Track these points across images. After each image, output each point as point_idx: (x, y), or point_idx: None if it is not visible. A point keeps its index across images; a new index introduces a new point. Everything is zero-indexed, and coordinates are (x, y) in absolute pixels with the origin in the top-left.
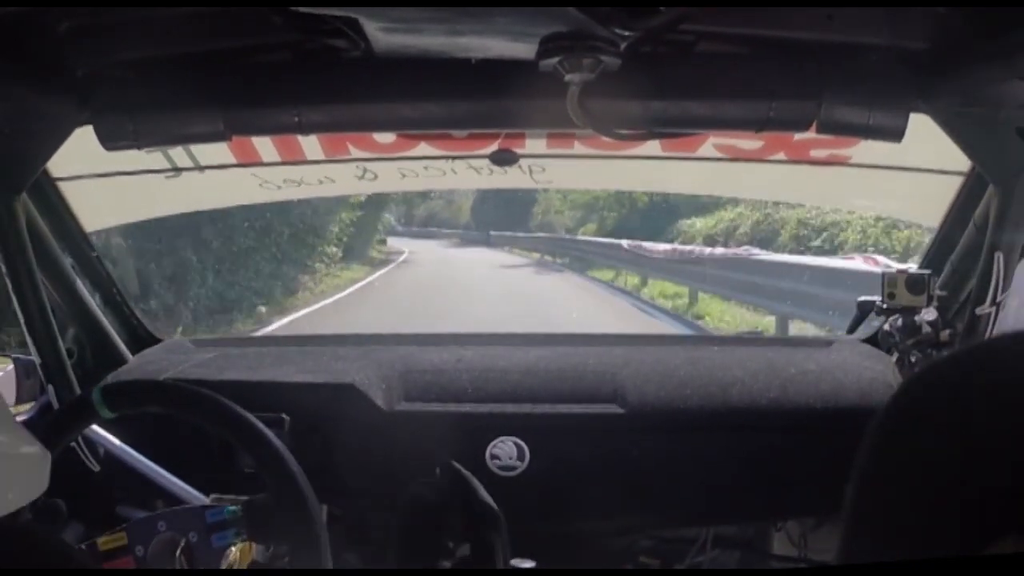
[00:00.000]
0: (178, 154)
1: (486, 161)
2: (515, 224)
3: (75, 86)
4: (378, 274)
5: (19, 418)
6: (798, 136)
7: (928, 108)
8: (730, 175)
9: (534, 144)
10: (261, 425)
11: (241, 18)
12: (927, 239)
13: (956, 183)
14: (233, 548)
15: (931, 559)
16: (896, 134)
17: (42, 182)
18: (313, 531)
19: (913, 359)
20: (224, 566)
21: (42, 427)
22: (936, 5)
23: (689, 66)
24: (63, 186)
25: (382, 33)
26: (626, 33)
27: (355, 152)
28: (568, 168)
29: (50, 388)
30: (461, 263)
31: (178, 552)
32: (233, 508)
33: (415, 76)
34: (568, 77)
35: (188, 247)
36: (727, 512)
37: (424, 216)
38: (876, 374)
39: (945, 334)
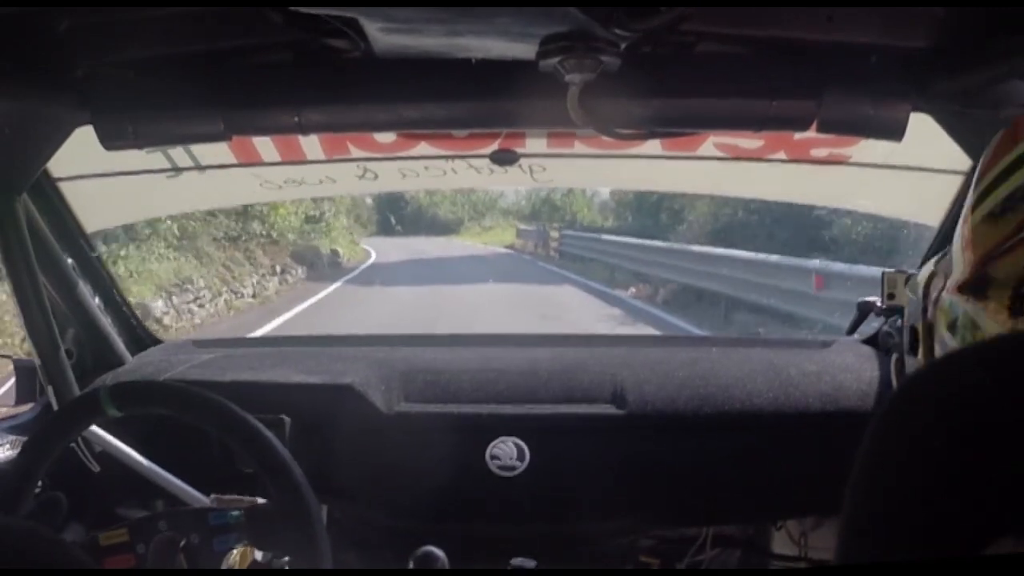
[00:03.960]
0: (178, 154)
1: (486, 161)
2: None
3: (75, 86)
4: None
5: (19, 419)
6: (798, 135)
7: (928, 107)
8: (731, 174)
9: (535, 143)
10: (267, 432)
11: (241, 18)
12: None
13: (957, 182)
14: (234, 552)
15: (931, 559)
16: (896, 133)
17: (42, 182)
18: (315, 542)
19: (913, 360)
20: (223, 561)
21: (47, 423)
22: (936, 5)
23: (689, 66)
24: (63, 186)
25: (382, 33)
26: (626, 33)
27: (355, 152)
28: (569, 167)
29: (50, 389)
30: None
31: (178, 552)
32: (236, 513)
33: (415, 76)
34: (568, 77)
35: None
36: (727, 512)
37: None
38: (875, 375)
39: None
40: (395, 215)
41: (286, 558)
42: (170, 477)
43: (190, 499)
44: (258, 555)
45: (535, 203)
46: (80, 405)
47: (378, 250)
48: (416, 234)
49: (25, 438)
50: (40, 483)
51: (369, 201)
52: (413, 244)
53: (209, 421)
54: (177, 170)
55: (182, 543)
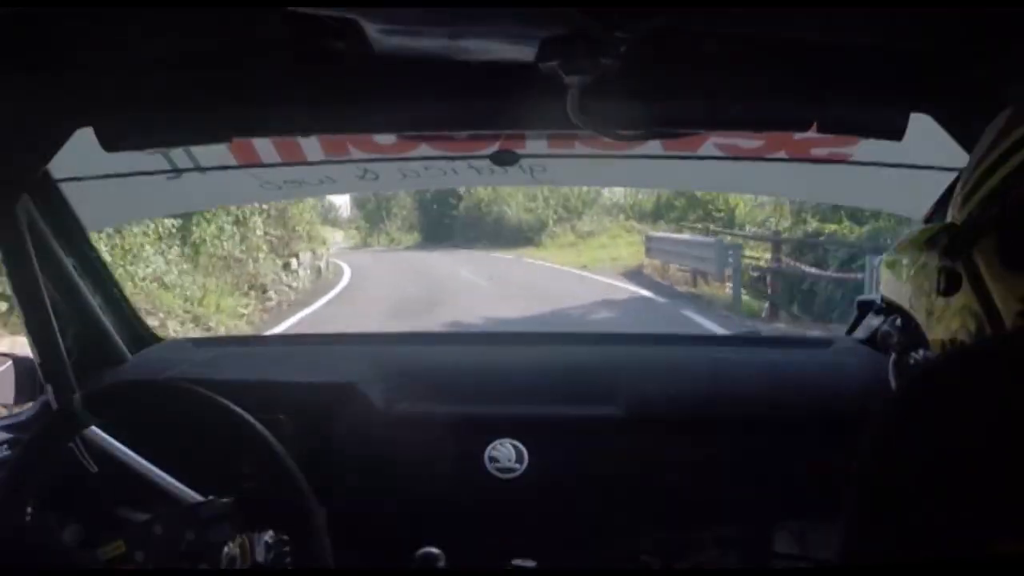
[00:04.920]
0: (178, 155)
1: (487, 161)
2: None
3: (75, 87)
4: None
5: (19, 418)
6: (799, 135)
7: (928, 108)
8: (732, 172)
9: (535, 144)
10: (243, 412)
11: (241, 19)
12: None
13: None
14: (230, 542)
15: (931, 559)
16: (896, 133)
17: (43, 183)
18: (305, 510)
19: (912, 360)
20: (223, 559)
21: (25, 445)
22: (935, 6)
23: (689, 67)
24: (64, 187)
25: (382, 35)
26: (625, 35)
27: (355, 153)
28: (569, 167)
29: (49, 388)
30: None
31: (179, 554)
32: (226, 501)
33: (415, 78)
34: (568, 79)
35: None
36: (727, 512)
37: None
38: (875, 374)
39: None
40: (443, 217)
41: (287, 559)
42: (168, 478)
43: (188, 499)
44: (259, 556)
45: (661, 195)
46: (56, 422)
47: (362, 281)
48: (473, 244)
49: (25, 437)
50: (30, 510)
51: (404, 196)
52: (450, 268)
53: (184, 409)
54: (177, 171)
55: (181, 545)
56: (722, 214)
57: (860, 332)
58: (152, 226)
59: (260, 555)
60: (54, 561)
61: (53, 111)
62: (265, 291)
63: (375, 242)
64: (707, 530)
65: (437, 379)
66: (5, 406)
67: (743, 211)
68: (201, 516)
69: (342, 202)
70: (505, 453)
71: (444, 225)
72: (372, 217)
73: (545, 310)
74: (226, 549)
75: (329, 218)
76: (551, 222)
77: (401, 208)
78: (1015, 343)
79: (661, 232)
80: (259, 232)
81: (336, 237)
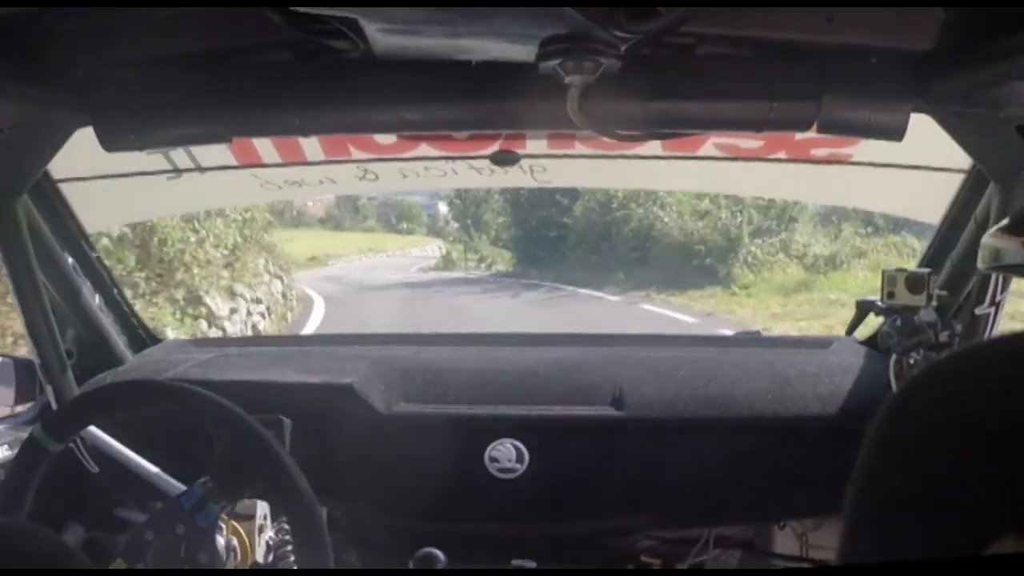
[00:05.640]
0: (178, 155)
1: (487, 161)
2: None
3: (75, 86)
4: None
5: (19, 418)
6: (799, 135)
7: (929, 108)
8: (731, 173)
9: (535, 144)
10: (202, 391)
11: (241, 18)
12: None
13: (957, 180)
14: (222, 524)
15: (931, 559)
16: (897, 133)
17: (43, 183)
18: (280, 461)
19: (912, 360)
20: (220, 542)
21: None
22: (936, 5)
23: (689, 67)
24: (64, 187)
25: (382, 34)
26: (626, 35)
27: (355, 153)
28: (569, 167)
29: (49, 388)
30: None
31: (180, 554)
32: (202, 481)
33: (415, 78)
34: (568, 79)
35: None
36: (727, 513)
37: None
38: (875, 375)
39: (944, 335)
40: (547, 229)
41: (291, 558)
42: (168, 478)
43: None
44: (258, 556)
45: None
46: (22, 457)
47: None
48: (598, 281)
49: (24, 435)
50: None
51: (498, 198)
52: None
53: (184, 409)
54: (177, 171)
55: (181, 547)
56: None
57: (860, 333)
58: None
59: (260, 555)
60: (51, 551)
61: (53, 112)
62: None
63: (462, 262)
64: (707, 530)
65: (437, 380)
66: (5, 406)
67: None
68: (185, 507)
69: (447, 210)
70: (505, 453)
71: (548, 241)
72: (461, 228)
73: None
74: (221, 540)
75: (435, 228)
76: (745, 236)
77: (495, 215)
78: (1016, 344)
79: None
80: None
81: (432, 251)
